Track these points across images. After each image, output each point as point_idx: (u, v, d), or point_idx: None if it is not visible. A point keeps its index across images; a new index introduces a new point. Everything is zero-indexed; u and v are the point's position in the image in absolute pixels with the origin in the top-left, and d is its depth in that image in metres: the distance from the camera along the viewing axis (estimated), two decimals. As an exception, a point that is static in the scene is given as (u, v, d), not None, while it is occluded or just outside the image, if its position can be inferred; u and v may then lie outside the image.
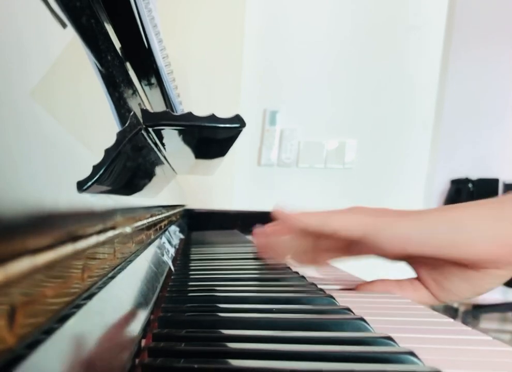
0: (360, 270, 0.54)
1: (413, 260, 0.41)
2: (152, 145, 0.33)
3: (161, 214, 0.46)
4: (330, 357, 0.20)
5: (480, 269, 0.36)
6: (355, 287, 0.43)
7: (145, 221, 0.33)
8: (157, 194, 0.46)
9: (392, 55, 1.70)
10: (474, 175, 3.12)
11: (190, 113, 0.29)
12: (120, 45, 0.37)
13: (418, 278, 0.41)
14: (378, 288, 0.42)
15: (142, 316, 0.24)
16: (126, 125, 0.23)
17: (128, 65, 0.40)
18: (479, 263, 0.36)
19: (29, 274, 0.10)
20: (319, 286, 0.37)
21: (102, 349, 0.16)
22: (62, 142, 0.18)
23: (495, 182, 3.13)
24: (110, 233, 0.19)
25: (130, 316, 0.22)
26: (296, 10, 1.69)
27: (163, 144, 0.36)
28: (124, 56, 0.38)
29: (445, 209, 0.40)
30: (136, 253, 0.29)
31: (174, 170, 0.55)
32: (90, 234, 0.16)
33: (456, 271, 0.38)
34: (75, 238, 0.14)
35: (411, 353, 0.20)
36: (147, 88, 0.44)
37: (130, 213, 0.28)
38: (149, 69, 0.40)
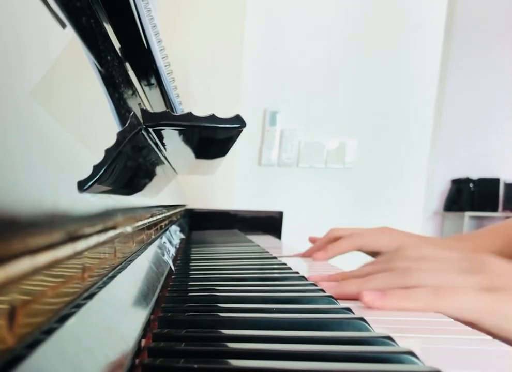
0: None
1: None
2: (153, 145, 0.33)
3: (162, 213, 0.46)
4: (330, 357, 0.20)
5: None
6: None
7: (145, 221, 0.33)
8: (158, 193, 0.47)
9: (392, 55, 1.70)
10: (475, 175, 3.12)
11: (190, 113, 0.29)
12: (119, 45, 0.37)
13: None
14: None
15: (142, 316, 0.24)
16: (127, 125, 0.23)
17: (128, 65, 0.40)
18: None
19: (29, 274, 0.10)
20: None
21: (102, 349, 0.16)
22: (62, 142, 0.18)
23: (495, 181, 3.13)
24: (110, 233, 0.19)
25: (130, 316, 0.22)
26: (296, 10, 1.69)
27: (163, 144, 0.36)
28: (124, 56, 0.38)
29: None
30: (137, 253, 0.29)
31: (174, 170, 0.55)
32: (91, 234, 0.16)
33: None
34: (75, 238, 0.14)
35: (411, 353, 0.20)
36: (146, 88, 0.44)
37: (131, 212, 0.28)
38: (148, 69, 0.40)
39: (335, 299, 0.32)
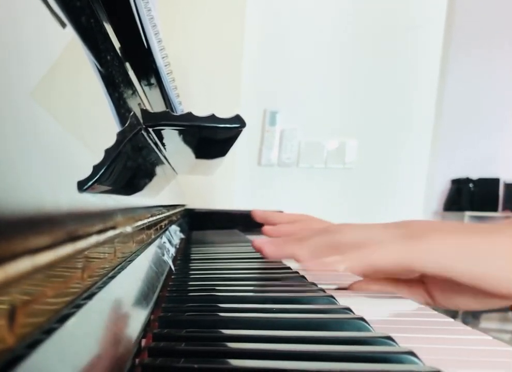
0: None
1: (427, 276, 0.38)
2: (152, 145, 0.33)
3: (162, 213, 0.46)
4: (330, 357, 0.20)
5: (501, 298, 0.33)
6: (348, 285, 0.42)
7: (145, 221, 0.33)
8: (157, 193, 0.47)
9: (392, 55, 1.70)
10: (474, 175, 3.13)
11: (189, 114, 0.29)
12: (119, 45, 0.37)
13: (418, 281, 0.40)
14: (372, 287, 0.41)
15: (142, 316, 0.24)
16: (127, 125, 0.23)
17: (128, 65, 0.40)
18: (506, 296, 0.33)
19: (29, 274, 0.10)
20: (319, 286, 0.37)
21: (102, 349, 0.16)
22: (62, 142, 0.18)
23: (495, 181, 3.13)
24: (110, 233, 0.19)
25: (130, 316, 0.22)
26: (296, 10, 1.69)
27: (163, 144, 0.36)
28: (124, 56, 0.38)
29: (491, 231, 0.34)
30: (137, 253, 0.29)
31: (174, 170, 0.55)
32: (90, 234, 0.16)
33: (471, 291, 0.35)
34: (75, 238, 0.14)
35: (411, 353, 0.20)
36: (146, 88, 0.44)
37: (131, 212, 0.28)
38: (148, 69, 0.40)
39: (335, 299, 0.32)
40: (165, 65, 0.40)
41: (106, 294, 0.19)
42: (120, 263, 0.23)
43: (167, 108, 0.44)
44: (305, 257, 0.38)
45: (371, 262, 0.35)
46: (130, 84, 0.38)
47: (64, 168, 0.17)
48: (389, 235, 0.36)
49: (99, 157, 0.21)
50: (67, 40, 0.24)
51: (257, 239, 0.45)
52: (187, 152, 0.40)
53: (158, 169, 0.41)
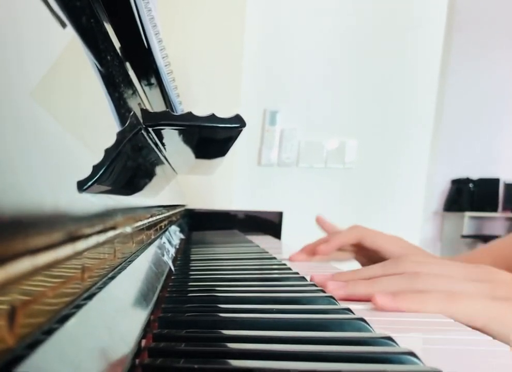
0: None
1: None
2: (152, 145, 0.33)
3: (161, 214, 0.46)
4: (330, 357, 0.20)
5: None
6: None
7: (145, 221, 0.33)
8: (157, 193, 0.46)
9: (392, 55, 1.70)
10: (475, 175, 3.12)
11: (190, 113, 0.29)
12: (119, 45, 0.37)
13: None
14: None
15: (142, 316, 0.24)
16: (126, 125, 0.23)
17: (128, 65, 0.40)
18: None
19: (29, 274, 0.10)
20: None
21: (102, 349, 0.16)
22: (62, 142, 0.18)
23: (495, 181, 3.13)
24: (110, 233, 0.19)
25: (130, 317, 0.22)
26: (296, 9, 1.69)
27: (163, 144, 0.36)
28: (124, 55, 0.38)
29: None
30: (137, 254, 0.29)
31: (174, 170, 0.55)
32: (90, 234, 0.16)
33: None
34: (75, 238, 0.14)
35: (412, 353, 0.20)
36: (146, 88, 0.44)
37: (130, 213, 0.28)
38: (148, 69, 0.40)
39: (335, 299, 0.32)
40: (165, 65, 0.40)
41: (106, 294, 0.19)
42: (120, 264, 0.23)
43: (167, 108, 0.44)
44: (384, 298, 0.34)
45: (453, 314, 0.33)
46: (130, 84, 0.38)
47: (64, 168, 0.17)
48: (473, 289, 0.35)
49: (98, 157, 0.21)
50: (67, 40, 0.24)
51: (317, 275, 0.41)
52: (187, 152, 0.40)
53: (158, 169, 0.41)
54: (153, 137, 0.32)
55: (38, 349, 0.11)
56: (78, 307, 0.15)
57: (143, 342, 0.22)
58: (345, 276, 0.40)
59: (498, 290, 0.34)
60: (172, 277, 0.41)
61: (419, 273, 0.37)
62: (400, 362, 0.20)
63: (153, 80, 0.42)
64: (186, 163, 0.51)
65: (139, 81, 0.43)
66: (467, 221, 3.11)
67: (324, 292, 0.34)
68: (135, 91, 0.39)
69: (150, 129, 0.29)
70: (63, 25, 0.23)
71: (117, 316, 0.20)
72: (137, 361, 0.19)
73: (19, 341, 0.10)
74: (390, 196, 1.74)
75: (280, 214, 1.19)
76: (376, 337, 0.22)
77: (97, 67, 0.29)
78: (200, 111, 0.30)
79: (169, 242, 0.51)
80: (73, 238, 0.14)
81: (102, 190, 0.21)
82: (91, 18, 0.29)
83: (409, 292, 0.34)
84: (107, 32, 0.33)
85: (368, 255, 0.62)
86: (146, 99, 0.46)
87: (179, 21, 1.49)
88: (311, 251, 0.62)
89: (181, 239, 0.76)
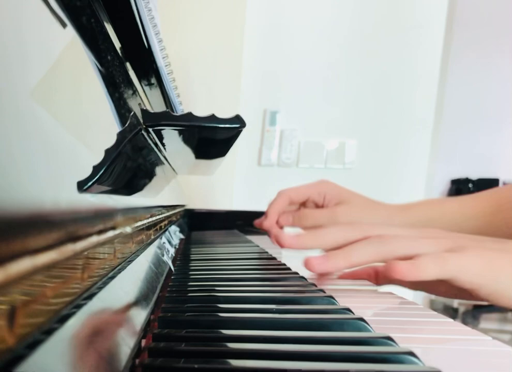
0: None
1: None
2: (152, 145, 0.33)
3: (161, 214, 0.46)
4: (329, 357, 0.20)
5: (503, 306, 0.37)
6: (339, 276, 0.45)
7: (145, 221, 0.33)
8: (157, 194, 0.46)
9: (392, 55, 1.70)
10: (474, 175, 3.12)
11: (190, 114, 0.29)
12: (120, 45, 0.37)
13: None
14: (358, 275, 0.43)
15: (142, 316, 0.24)
16: (127, 125, 0.23)
17: (128, 65, 0.40)
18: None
19: (29, 274, 0.10)
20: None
21: (102, 349, 0.16)
22: (62, 142, 0.18)
23: (495, 181, 3.13)
24: (110, 233, 0.19)
25: (130, 316, 0.22)
26: (296, 9, 1.69)
27: (163, 145, 0.36)
28: (124, 56, 0.38)
29: None
30: (136, 254, 0.29)
31: (174, 170, 0.55)
32: (90, 234, 0.16)
33: (469, 296, 0.38)
34: (75, 238, 0.14)
35: (411, 353, 0.20)
36: (147, 88, 0.44)
37: (130, 213, 0.28)
38: (149, 69, 0.40)
39: (335, 299, 0.32)
40: (166, 65, 0.40)
41: (106, 294, 0.19)
42: (120, 264, 0.23)
43: (167, 108, 0.44)
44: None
45: (417, 275, 0.36)
46: (130, 84, 0.38)
47: (64, 168, 0.17)
48: (435, 248, 0.38)
49: (99, 157, 0.21)
50: (68, 40, 0.24)
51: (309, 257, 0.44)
52: (187, 152, 0.40)
53: (158, 169, 0.41)
54: (153, 137, 0.32)
55: (38, 349, 0.11)
56: (78, 307, 0.15)
57: (143, 342, 0.22)
58: (308, 241, 0.44)
59: (456, 243, 0.37)
60: (172, 277, 0.41)
61: (384, 236, 0.40)
62: (400, 362, 0.20)
63: (153, 80, 0.42)
64: (186, 163, 0.51)
65: (140, 81, 0.43)
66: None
67: (323, 292, 0.34)
68: (135, 91, 0.39)
69: (150, 129, 0.29)
70: (64, 25, 0.23)
71: (117, 316, 0.20)
72: (137, 361, 0.19)
73: (19, 341, 0.10)
74: (390, 196, 1.74)
75: (280, 214, 1.19)
76: (376, 337, 0.22)
77: (97, 67, 0.29)
78: (200, 111, 0.30)
79: (169, 242, 0.51)
80: (73, 238, 0.14)
81: (102, 190, 0.21)
82: (91, 18, 0.29)
83: (404, 260, 0.37)
84: (107, 32, 0.33)
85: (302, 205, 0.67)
86: (146, 99, 0.46)
87: (179, 21, 1.49)
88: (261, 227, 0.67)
89: (181, 239, 0.76)
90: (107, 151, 0.21)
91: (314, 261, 0.40)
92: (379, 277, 0.44)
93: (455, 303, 2.42)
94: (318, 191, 0.66)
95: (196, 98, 1.52)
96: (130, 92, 0.37)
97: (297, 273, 0.43)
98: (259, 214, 1.20)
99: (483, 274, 0.35)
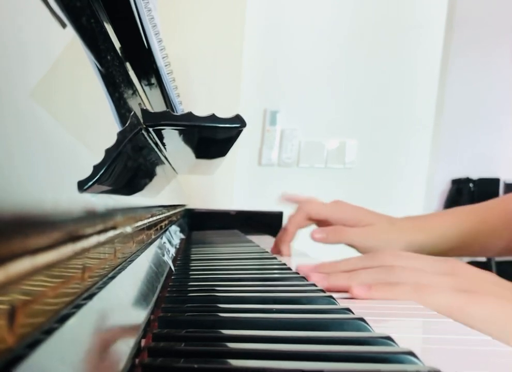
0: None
1: None
2: (153, 145, 0.33)
3: (162, 213, 0.46)
4: (329, 357, 0.20)
5: None
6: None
7: (145, 221, 0.33)
8: (158, 193, 0.46)
9: (392, 55, 1.70)
10: (475, 175, 3.12)
11: (190, 113, 0.29)
12: (120, 45, 0.37)
13: None
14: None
15: (142, 316, 0.24)
16: (127, 125, 0.23)
17: (128, 65, 0.40)
18: None
19: (29, 274, 0.10)
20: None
21: (102, 349, 0.16)
22: (62, 142, 0.18)
23: (496, 181, 3.12)
24: (110, 233, 0.19)
25: (130, 316, 0.22)
26: (296, 9, 1.69)
27: (163, 144, 0.36)
28: (124, 56, 0.38)
29: None
30: (137, 253, 0.29)
31: (174, 170, 0.55)
32: (91, 234, 0.16)
33: None
34: (75, 238, 0.14)
35: (411, 353, 0.20)
36: (147, 88, 0.44)
37: (131, 212, 0.28)
38: (149, 69, 0.40)
39: (335, 299, 0.32)
40: (166, 65, 0.40)
41: (106, 294, 0.19)
42: (120, 264, 0.23)
43: (167, 108, 0.44)
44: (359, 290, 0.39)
45: (426, 307, 0.36)
46: (130, 84, 0.38)
47: (64, 168, 0.17)
48: (439, 282, 0.39)
49: (99, 157, 0.21)
50: (67, 40, 0.24)
51: (302, 266, 0.46)
52: (188, 152, 0.40)
53: (158, 169, 0.41)
54: (153, 137, 0.32)
55: (38, 349, 0.11)
56: (78, 306, 0.15)
57: (143, 342, 0.22)
58: (327, 268, 0.45)
59: (462, 283, 0.39)
60: (173, 277, 0.41)
61: (394, 267, 0.41)
62: (400, 362, 0.20)
63: (153, 80, 0.42)
64: (187, 163, 0.51)
65: (140, 81, 0.43)
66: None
67: (323, 292, 0.34)
68: (135, 91, 0.39)
69: (150, 129, 0.29)
70: (63, 25, 0.23)
71: (117, 315, 0.20)
72: (137, 361, 0.19)
73: (19, 341, 0.10)
74: (390, 196, 1.73)
75: (280, 214, 1.19)
76: (376, 337, 0.22)
77: (97, 67, 0.29)
78: (200, 111, 0.30)
79: (170, 242, 0.51)
80: (73, 238, 0.14)
81: (102, 190, 0.21)
82: (91, 18, 0.29)
83: (382, 284, 0.39)
84: (107, 32, 0.33)
85: (322, 224, 0.69)
86: (146, 99, 0.46)
87: (179, 21, 1.49)
88: (279, 246, 0.69)
89: (181, 239, 0.76)
90: (108, 151, 0.21)
91: (315, 277, 0.42)
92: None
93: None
94: (338, 214, 0.68)
95: (196, 98, 1.52)
96: (130, 92, 0.37)
97: (297, 273, 0.43)
98: (259, 214, 1.20)
99: (486, 320, 0.35)
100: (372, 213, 0.71)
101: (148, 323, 0.25)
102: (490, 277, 0.42)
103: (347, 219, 0.67)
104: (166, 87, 0.41)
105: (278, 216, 1.19)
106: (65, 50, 0.23)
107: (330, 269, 0.45)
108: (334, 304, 0.31)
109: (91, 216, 0.18)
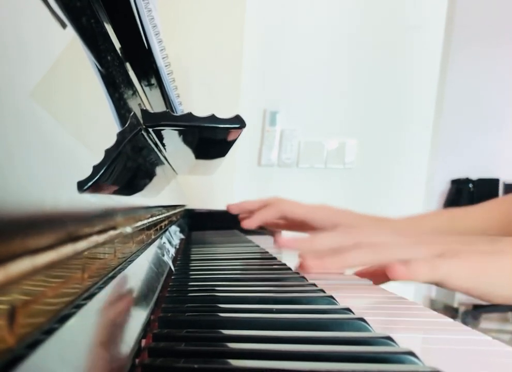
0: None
1: None
2: (152, 145, 0.33)
3: (161, 214, 0.46)
4: (329, 357, 0.20)
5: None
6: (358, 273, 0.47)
7: (145, 221, 0.33)
8: (157, 194, 0.46)
9: (392, 55, 1.70)
10: (474, 175, 3.12)
11: (190, 114, 0.29)
12: (120, 45, 0.37)
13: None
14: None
15: (142, 316, 0.24)
16: (127, 125, 0.23)
17: (128, 65, 0.40)
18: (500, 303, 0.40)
19: (29, 274, 0.10)
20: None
21: (102, 349, 0.16)
22: (62, 142, 0.18)
23: (495, 182, 3.13)
24: (110, 233, 0.19)
25: (130, 316, 0.22)
26: (296, 10, 1.69)
27: (163, 145, 0.36)
28: (124, 56, 0.38)
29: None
30: (137, 254, 0.29)
31: (174, 170, 0.55)
32: (90, 234, 0.16)
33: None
34: (75, 238, 0.14)
35: (411, 353, 0.20)
36: (147, 89, 0.44)
37: (131, 213, 0.28)
38: (149, 69, 0.40)
39: (335, 299, 0.32)
40: (166, 66, 0.40)
41: (106, 294, 0.19)
42: (120, 264, 0.23)
43: (167, 108, 0.44)
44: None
45: (410, 277, 0.38)
46: (130, 84, 0.38)
47: (64, 168, 0.17)
48: (426, 254, 0.40)
49: (99, 157, 0.21)
50: (67, 41, 0.24)
51: (283, 239, 0.47)
52: (188, 152, 0.40)
53: (158, 169, 0.41)
54: (153, 137, 0.32)
55: (38, 348, 0.11)
56: (78, 307, 0.15)
57: (143, 342, 0.22)
58: (305, 244, 0.45)
59: (447, 248, 0.39)
60: (173, 277, 0.41)
61: (376, 244, 0.42)
62: (400, 362, 0.20)
63: (153, 81, 0.42)
64: (187, 163, 0.51)
65: (140, 82, 0.43)
66: (467, 221, 3.10)
67: (323, 292, 0.34)
68: (135, 92, 0.39)
69: (150, 129, 0.29)
70: (64, 25, 0.23)
71: (117, 316, 0.20)
72: (137, 361, 0.19)
73: (19, 341, 0.10)
74: (389, 196, 1.74)
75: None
76: (376, 337, 0.22)
77: (97, 67, 0.29)
78: (200, 111, 0.30)
79: (169, 242, 0.51)
80: (73, 238, 0.14)
81: (102, 191, 0.21)
82: (91, 19, 0.29)
83: (395, 262, 0.39)
84: (107, 33, 0.33)
85: (295, 225, 0.66)
86: (146, 99, 0.46)
87: (179, 21, 1.49)
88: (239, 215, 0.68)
89: (181, 239, 0.76)
90: (107, 151, 0.21)
91: (309, 263, 0.42)
92: (377, 275, 0.46)
93: (455, 303, 2.41)
94: (319, 217, 0.65)
95: (196, 98, 1.52)
96: (130, 92, 0.37)
97: (297, 273, 0.43)
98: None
99: (471, 277, 0.37)
100: (356, 215, 0.67)
101: (148, 323, 0.25)
102: (458, 238, 0.43)
103: (326, 223, 0.64)
104: (166, 87, 0.41)
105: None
106: (65, 50, 0.23)
107: (308, 246, 0.45)
108: (334, 304, 0.31)
109: (91, 216, 0.18)
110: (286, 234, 0.69)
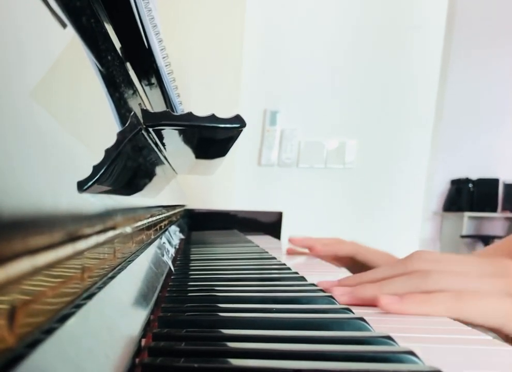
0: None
1: None
2: (153, 145, 0.33)
3: (161, 214, 0.46)
4: (330, 356, 0.20)
5: None
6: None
7: (145, 221, 0.33)
8: (157, 193, 0.46)
9: (392, 55, 1.70)
10: (474, 175, 3.12)
11: (190, 113, 0.29)
12: (120, 45, 0.37)
13: None
14: None
15: (142, 316, 0.24)
16: (127, 125, 0.23)
17: (128, 65, 0.40)
18: None
19: (29, 274, 0.10)
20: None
21: (102, 349, 0.16)
22: (62, 142, 0.18)
23: (495, 182, 3.13)
24: (110, 233, 0.19)
25: (130, 316, 0.22)
26: (296, 10, 1.69)
27: (163, 144, 0.36)
28: (124, 56, 0.38)
29: None
30: (136, 254, 0.29)
31: (174, 170, 0.55)
32: (90, 234, 0.16)
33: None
34: (75, 238, 0.14)
35: (411, 353, 0.20)
36: (147, 88, 0.44)
37: (130, 213, 0.28)
38: (149, 69, 0.40)
39: (335, 299, 0.32)
40: (166, 65, 0.40)
41: (106, 294, 0.19)
42: (120, 264, 0.23)
43: (167, 108, 0.44)
44: (388, 299, 0.32)
45: (465, 315, 0.31)
46: (130, 84, 0.38)
47: (64, 168, 0.17)
48: (488, 286, 0.33)
49: (99, 157, 0.21)
50: (68, 40, 0.24)
51: (323, 281, 0.38)
52: (188, 152, 0.40)
53: (158, 169, 0.41)
54: (153, 137, 0.32)
55: (38, 348, 0.11)
56: (78, 306, 0.15)
57: (143, 342, 0.22)
58: (352, 280, 0.38)
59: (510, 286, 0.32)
60: (172, 277, 0.41)
61: (430, 272, 0.34)
62: (400, 361, 0.20)
63: (153, 80, 0.42)
64: (187, 163, 0.51)
65: (140, 81, 0.42)
66: (466, 221, 3.11)
67: (323, 291, 0.34)
68: (135, 91, 0.39)
69: (150, 129, 0.29)
70: (64, 25, 0.23)
71: (117, 315, 0.20)
72: (137, 360, 0.19)
73: (19, 341, 0.10)
74: (389, 196, 1.74)
75: (280, 214, 1.19)
76: (376, 337, 0.22)
77: (97, 67, 0.29)
78: (200, 111, 0.30)
79: (169, 242, 0.51)
80: (73, 238, 0.14)
81: (102, 190, 0.21)
82: (91, 19, 0.29)
83: (417, 293, 0.32)
84: (107, 32, 0.33)
85: (359, 269, 0.63)
86: (146, 99, 0.45)
87: (179, 21, 1.49)
88: (309, 245, 0.65)
89: (181, 239, 0.76)
90: (107, 151, 0.21)
91: (337, 291, 0.35)
92: None
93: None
94: (351, 253, 0.62)
95: (196, 98, 1.52)
96: (130, 92, 0.37)
97: (297, 273, 0.43)
98: (259, 214, 1.20)
99: None
100: (389, 255, 0.62)
101: (148, 322, 0.25)
102: None
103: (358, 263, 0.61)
104: (166, 87, 0.41)
105: (278, 216, 1.19)
106: (65, 50, 0.23)
107: (356, 281, 0.37)
108: (334, 303, 0.31)
109: (91, 216, 0.18)
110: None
